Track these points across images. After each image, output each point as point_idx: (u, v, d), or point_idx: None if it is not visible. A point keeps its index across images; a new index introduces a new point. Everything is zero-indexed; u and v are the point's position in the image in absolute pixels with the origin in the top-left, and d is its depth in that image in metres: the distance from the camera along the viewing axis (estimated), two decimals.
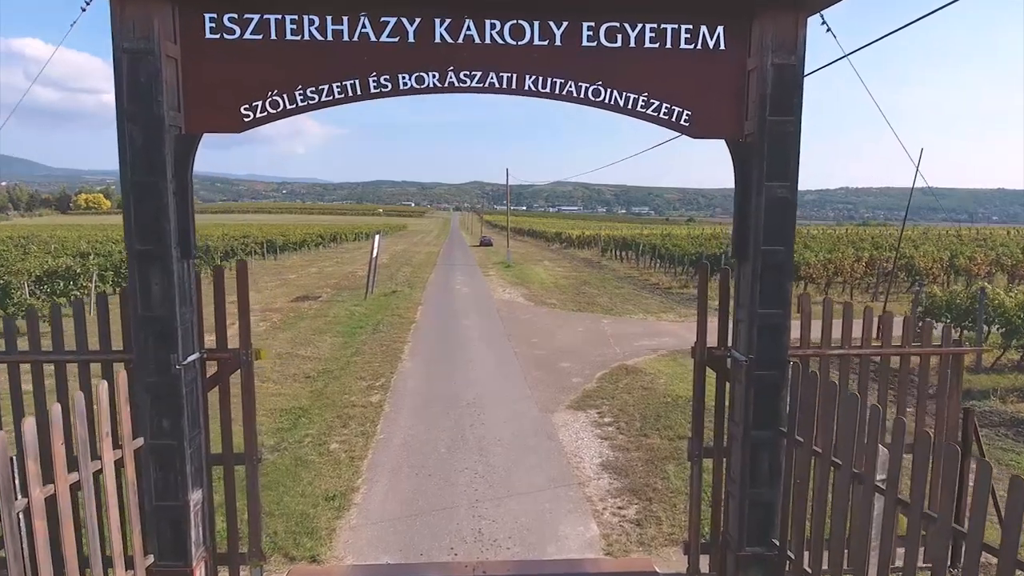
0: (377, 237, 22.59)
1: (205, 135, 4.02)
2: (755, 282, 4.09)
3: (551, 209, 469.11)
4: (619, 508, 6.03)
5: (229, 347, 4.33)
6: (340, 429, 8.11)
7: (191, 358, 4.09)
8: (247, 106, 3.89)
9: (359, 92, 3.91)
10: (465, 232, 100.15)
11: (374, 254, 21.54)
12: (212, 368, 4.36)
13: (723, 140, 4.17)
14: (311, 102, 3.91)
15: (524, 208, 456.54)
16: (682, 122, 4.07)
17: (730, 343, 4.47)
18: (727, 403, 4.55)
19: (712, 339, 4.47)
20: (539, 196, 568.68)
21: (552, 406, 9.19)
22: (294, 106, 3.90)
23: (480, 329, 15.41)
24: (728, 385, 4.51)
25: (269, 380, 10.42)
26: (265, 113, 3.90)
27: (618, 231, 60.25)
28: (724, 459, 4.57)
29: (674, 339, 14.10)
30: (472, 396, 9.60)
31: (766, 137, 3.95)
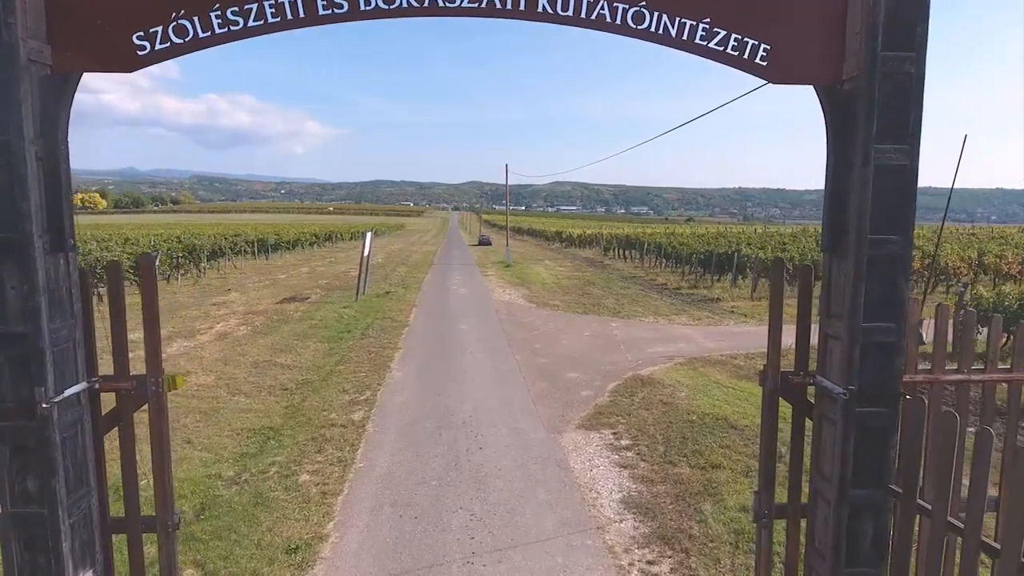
0: (369, 235, 21.33)
1: (92, 78, 2.90)
2: (858, 285, 2.93)
3: (550, 209, 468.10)
4: (648, 564, 4.87)
5: (132, 374, 3.19)
6: (314, 455, 6.94)
7: (72, 391, 2.93)
8: (141, 34, 2.73)
9: (302, 13, 2.76)
10: (464, 231, 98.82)
11: (365, 253, 20.35)
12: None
13: (812, 87, 3.02)
14: (232, 27, 2.74)
15: (523, 208, 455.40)
16: (757, 60, 2.92)
17: (814, 367, 3.32)
18: (807, 446, 3.40)
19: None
20: (538, 196, 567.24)
21: (560, 425, 8.03)
22: (209, 33, 2.74)
23: (478, 333, 14.23)
24: (812, 424, 3.35)
25: (240, 393, 9.25)
26: (168, 44, 2.74)
27: (619, 230, 59.01)
28: (801, 520, 3.43)
29: (690, 345, 12.93)
30: (468, 413, 8.44)
31: (877, 81, 2.80)
